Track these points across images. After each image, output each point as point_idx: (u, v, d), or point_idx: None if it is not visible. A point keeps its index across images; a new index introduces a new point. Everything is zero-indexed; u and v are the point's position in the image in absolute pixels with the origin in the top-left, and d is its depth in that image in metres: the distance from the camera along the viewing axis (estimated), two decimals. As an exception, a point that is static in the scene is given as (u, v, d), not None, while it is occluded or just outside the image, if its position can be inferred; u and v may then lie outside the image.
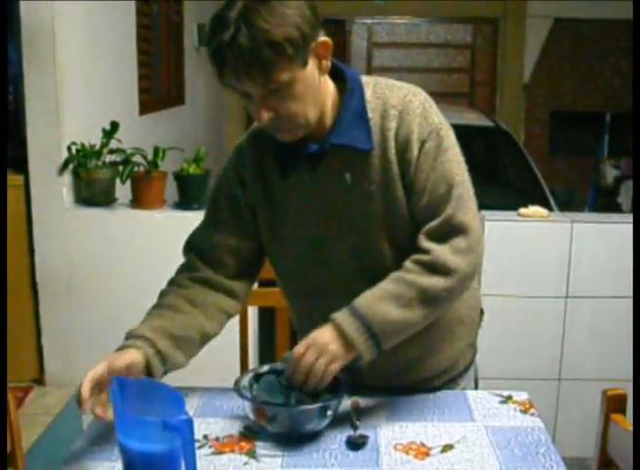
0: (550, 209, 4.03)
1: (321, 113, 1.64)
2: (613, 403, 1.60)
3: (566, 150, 8.33)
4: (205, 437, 1.63)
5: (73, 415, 3.31)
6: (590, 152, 8.04)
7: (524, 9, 7.89)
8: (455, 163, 1.67)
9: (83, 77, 3.42)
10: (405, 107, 1.66)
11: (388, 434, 1.65)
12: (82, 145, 3.23)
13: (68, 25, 3.23)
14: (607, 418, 1.60)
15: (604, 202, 7.23)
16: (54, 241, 3.29)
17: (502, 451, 1.59)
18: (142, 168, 3.26)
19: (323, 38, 1.55)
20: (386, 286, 1.62)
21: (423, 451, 1.58)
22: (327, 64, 1.60)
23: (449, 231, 1.64)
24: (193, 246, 1.87)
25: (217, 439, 1.62)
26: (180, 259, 1.89)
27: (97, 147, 3.24)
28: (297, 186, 1.71)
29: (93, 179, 3.25)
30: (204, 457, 1.55)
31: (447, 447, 1.60)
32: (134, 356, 1.62)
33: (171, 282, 1.87)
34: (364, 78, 1.71)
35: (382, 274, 1.69)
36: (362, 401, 1.76)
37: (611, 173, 7.49)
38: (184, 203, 3.30)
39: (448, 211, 1.63)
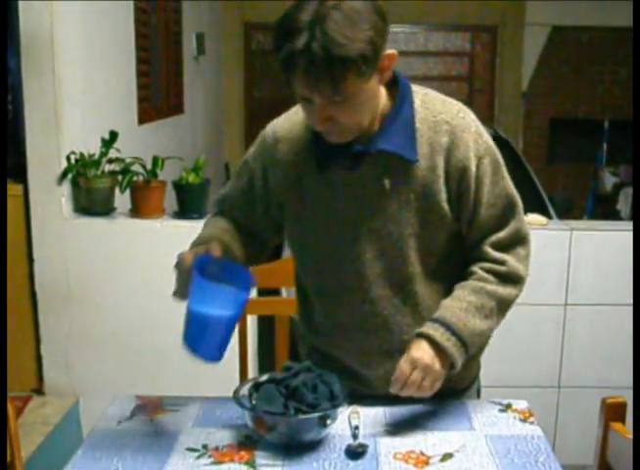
0: (549, 216, 4.03)
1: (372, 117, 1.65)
2: (612, 412, 1.60)
3: (564, 157, 8.33)
4: (205, 446, 1.63)
5: (73, 425, 3.31)
6: (589, 159, 8.04)
7: (522, 17, 7.90)
8: (509, 178, 1.75)
9: (82, 87, 3.42)
10: (459, 123, 1.69)
11: (388, 443, 1.65)
12: (81, 154, 3.23)
13: (66, 35, 3.23)
14: (606, 426, 1.60)
15: (603, 209, 7.24)
16: (53, 250, 3.29)
17: (502, 460, 1.59)
18: (141, 178, 3.26)
19: (390, 51, 1.56)
20: (468, 297, 1.69)
21: (422, 460, 1.58)
22: (388, 75, 1.61)
23: (514, 242, 1.74)
24: (223, 209, 1.93)
25: (217, 448, 1.62)
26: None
27: (96, 156, 3.24)
28: (332, 182, 1.72)
29: (92, 189, 3.25)
30: (203, 467, 1.55)
31: (447, 456, 1.60)
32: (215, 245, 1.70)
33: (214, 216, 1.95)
34: (413, 87, 1.72)
35: (405, 279, 1.74)
36: (362, 410, 1.76)
37: (609, 180, 7.49)
38: (183, 212, 3.30)
39: (515, 224, 1.74)
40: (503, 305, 1.73)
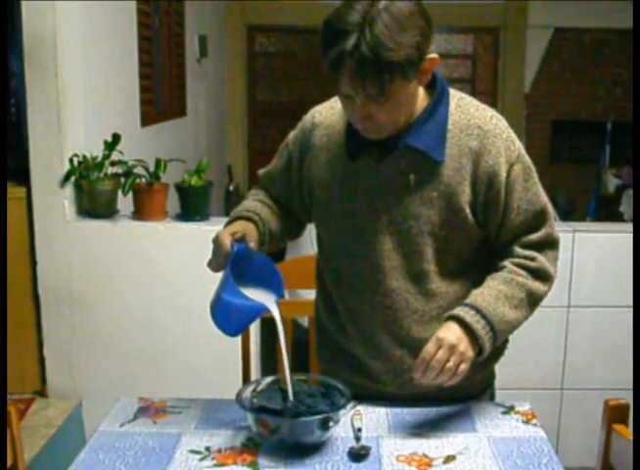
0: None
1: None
2: (615, 414, 1.60)
3: (567, 159, 8.32)
4: (208, 448, 1.64)
5: (76, 427, 3.31)
6: (592, 161, 8.03)
7: (524, 19, 7.89)
8: (540, 184, 1.78)
9: (85, 89, 3.42)
10: (491, 128, 1.72)
11: (391, 445, 1.65)
12: (84, 157, 3.23)
13: (69, 38, 3.24)
14: (609, 428, 1.60)
15: (606, 211, 7.22)
16: (56, 253, 3.29)
17: (505, 462, 1.59)
18: (144, 180, 3.26)
19: (432, 55, 1.59)
20: (498, 286, 1.72)
21: (425, 462, 1.58)
22: (428, 77, 1.64)
23: (545, 244, 1.77)
24: (264, 184, 1.99)
25: (220, 450, 1.63)
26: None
27: (99, 159, 3.24)
28: (360, 171, 1.76)
29: (95, 191, 3.25)
30: (206, 469, 1.55)
31: (450, 458, 1.60)
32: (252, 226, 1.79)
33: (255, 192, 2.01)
34: (451, 90, 1.75)
35: (419, 275, 1.76)
36: (364, 412, 1.76)
37: (612, 182, 7.48)
38: (186, 214, 3.30)
39: (547, 229, 1.77)
40: (532, 299, 1.75)
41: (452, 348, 1.61)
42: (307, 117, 1.88)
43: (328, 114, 1.84)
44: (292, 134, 1.92)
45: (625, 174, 7.22)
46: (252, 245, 1.71)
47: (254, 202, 1.91)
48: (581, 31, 8.02)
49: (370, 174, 1.74)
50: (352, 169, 1.76)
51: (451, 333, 1.63)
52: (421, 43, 1.53)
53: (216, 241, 1.70)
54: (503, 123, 1.75)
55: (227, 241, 1.67)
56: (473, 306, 1.68)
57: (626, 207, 6.97)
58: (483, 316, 1.66)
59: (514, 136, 1.75)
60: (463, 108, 1.74)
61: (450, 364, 1.60)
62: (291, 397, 1.66)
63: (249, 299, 1.64)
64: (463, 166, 1.70)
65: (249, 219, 1.80)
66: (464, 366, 1.62)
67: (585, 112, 8.31)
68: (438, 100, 1.71)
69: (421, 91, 1.70)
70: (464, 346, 1.62)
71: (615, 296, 3.30)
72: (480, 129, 1.71)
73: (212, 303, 1.69)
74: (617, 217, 6.85)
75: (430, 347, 1.61)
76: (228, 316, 1.68)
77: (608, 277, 3.30)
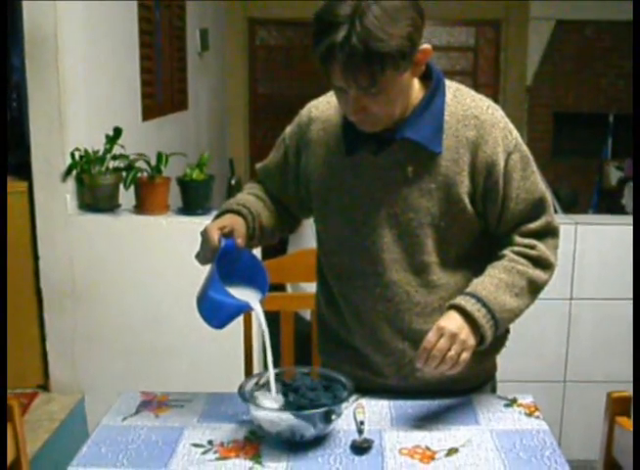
0: (554, 211, 4.03)
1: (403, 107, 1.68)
2: (618, 406, 1.60)
3: (569, 152, 8.30)
4: (210, 442, 1.64)
5: (79, 421, 3.32)
6: (594, 153, 8.02)
7: (526, 11, 7.87)
8: (539, 173, 1.78)
9: (86, 84, 3.42)
10: (488, 118, 1.72)
11: (393, 438, 1.65)
12: (86, 151, 3.23)
13: (70, 32, 3.23)
14: (612, 421, 1.60)
15: (608, 203, 7.22)
16: (58, 247, 3.29)
17: (507, 455, 1.59)
18: (145, 174, 3.26)
19: (425, 46, 1.59)
20: (499, 275, 1.72)
21: (428, 455, 1.58)
22: (422, 68, 1.64)
23: (545, 233, 1.77)
24: (260, 178, 1.99)
25: (222, 444, 1.63)
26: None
27: (100, 153, 3.24)
28: (358, 165, 1.75)
29: (97, 185, 3.25)
30: (208, 462, 1.56)
31: (452, 451, 1.60)
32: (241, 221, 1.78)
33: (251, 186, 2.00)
34: (447, 82, 1.75)
35: (421, 267, 1.76)
36: (367, 405, 1.76)
37: (614, 175, 7.48)
38: (188, 208, 3.30)
39: (547, 218, 1.78)
40: (533, 287, 1.74)
41: (453, 336, 1.61)
42: (304, 112, 1.88)
43: (324, 108, 1.83)
44: (288, 129, 1.91)
45: (627, 167, 7.22)
46: (240, 241, 1.70)
47: (248, 195, 1.91)
48: (583, 23, 8.00)
49: (368, 168, 1.74)
50: (350, 163, 1.76)
51: (452, 322, 1.63)
52: (412, 34, 1.52)
53: (204, 234, 1.69)
54: (500, 113, 1.75)
55: (215, 236, 1.67)
56: (473, 295, 1.68)
57: (628, 199, 6.97)
58: (484, 305, 1.66)
59: (511, 126, 1.75)
60: (459, 98, 1.73)
61: (452, 353, 1.60)
62: (273, 393, 1.66)
63: (233, 297, 1.64)
64: (461, 157, 1.70)
65: (238, 213, 1.79)
66: (465, 355, 1.62)
67: (587, 104, 8.29)
68: (434, 91, 1.71)
69: (416, 83, 1.70)
70: (465, 334, 1.62)
71: (617, 288, 3.30)
72: (476, 119, 1.71)
73: (199, 296, 1.69)
74: (619, 210, 6.85)
75: (431, 336, 1.61)
76: (213, 311, 1.68)
77: (610, 269, 3.30)
